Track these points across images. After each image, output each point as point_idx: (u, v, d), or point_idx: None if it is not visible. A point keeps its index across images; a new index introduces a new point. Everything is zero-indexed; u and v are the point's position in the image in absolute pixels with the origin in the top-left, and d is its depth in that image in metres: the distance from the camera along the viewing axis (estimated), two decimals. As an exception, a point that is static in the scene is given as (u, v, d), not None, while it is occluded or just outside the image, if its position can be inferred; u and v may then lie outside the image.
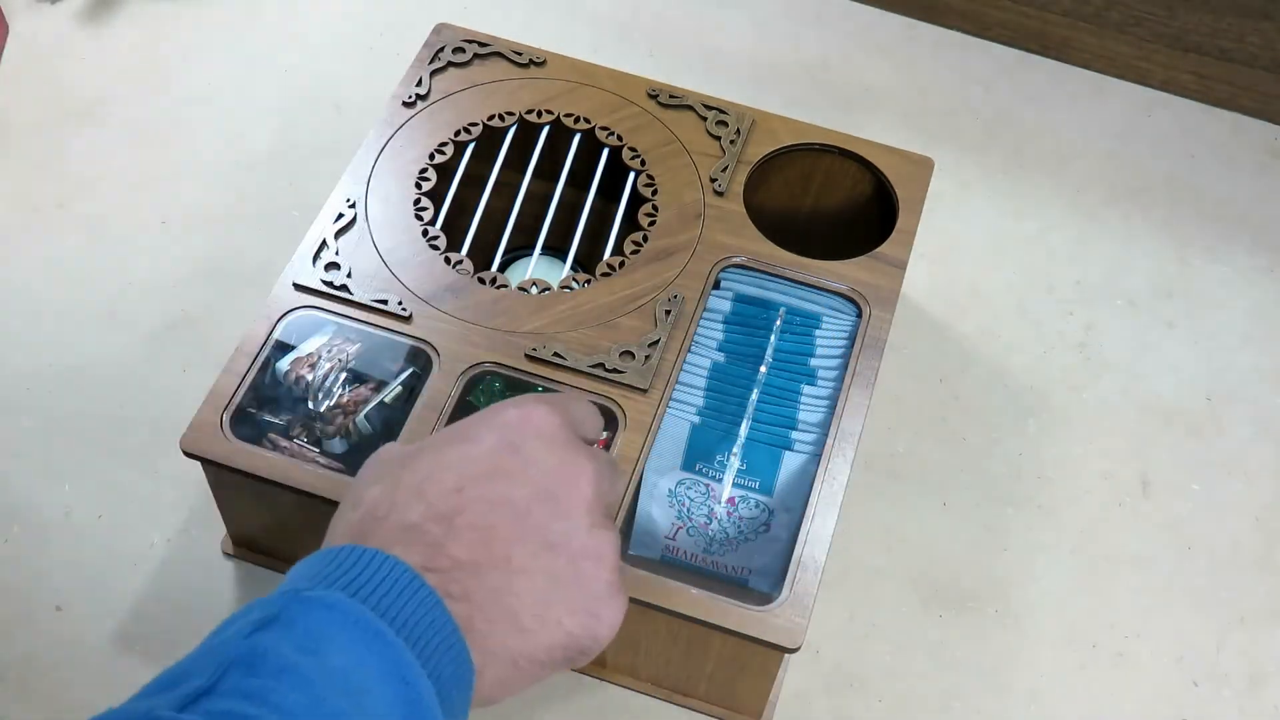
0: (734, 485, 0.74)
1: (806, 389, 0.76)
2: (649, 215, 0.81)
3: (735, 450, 0.75)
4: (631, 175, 0.84)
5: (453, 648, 0.44)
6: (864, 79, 1.10)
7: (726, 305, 0.79)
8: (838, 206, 0.89)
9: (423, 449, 0.51)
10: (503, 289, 0.78)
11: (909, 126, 1.06)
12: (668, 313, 0.77)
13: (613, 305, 0.77)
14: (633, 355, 0.75)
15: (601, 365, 0.74)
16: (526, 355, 0.75)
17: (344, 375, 0.75)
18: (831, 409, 0.75)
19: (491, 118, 0.85)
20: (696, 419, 0.75)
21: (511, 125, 0.86)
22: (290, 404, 0.75)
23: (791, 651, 0.66)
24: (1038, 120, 1.08)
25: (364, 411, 0.74)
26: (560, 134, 0.86)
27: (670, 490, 0.75)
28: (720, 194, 0.83)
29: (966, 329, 0.95)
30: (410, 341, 0.75)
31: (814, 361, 0.78)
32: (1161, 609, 0.84)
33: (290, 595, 0.43)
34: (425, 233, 0.80)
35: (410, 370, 0.76)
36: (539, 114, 0.86)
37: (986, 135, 1.07)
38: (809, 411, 0.76)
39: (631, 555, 0.78)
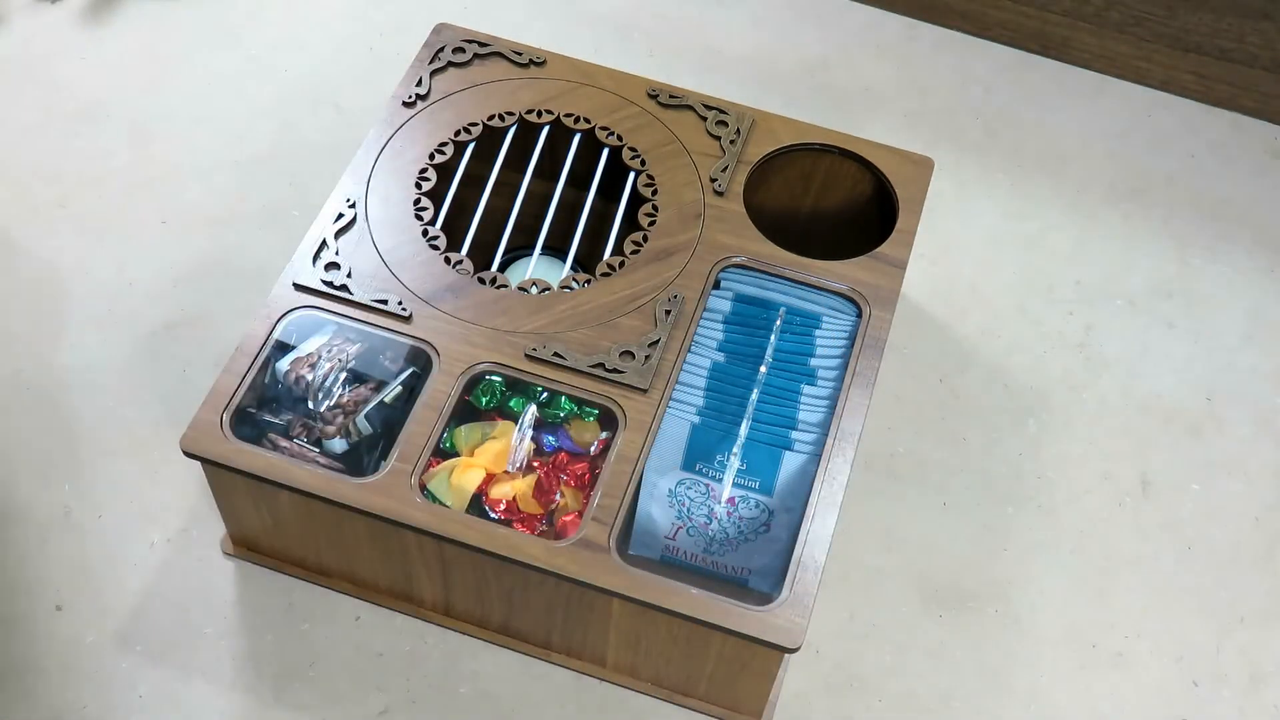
0: (734, 485, 0.74)
1: (806, 389, 0.76)
2: (649, 215, 0.81)
3: (735, 450, 0.75)
4: (631, 175, 0.84)
5: None
6: (864, 79, 1.10)
7: (726, 305, 0.79)
8: (838, 206, 0.89)
9: None
10: (503, 289, 0.78)
11: (909, 126, 1.06)
12: (668, 313, 0.77)
13: (613, 305, 0.77)
14: (633, 355, 0.75)
15: (601, 365, 0.74)
16: (526, 355, 0.75)
17: (344, 375, 0.75)
18: (831, 409, 0.75)
19: (491, 118, 0.85)
20: (696, 419, 0.75)
21: (511, 125, 0.86)
22: (290, 404, 0.75)
23: (791, 651, 0.66)
24: (1038, 120, 1.08)
25: (364, 411, 0.74)
26: (560, 134, 0.86)
27: (670, 490, 0.75)
28: (720, 194, 0.82)
29: (966, 329, 0.95)
30: (410, 341, 0.75)
31: (814, 361, 0.78)
32: (1161, 609, 0.84)
33: None
34: (425, 233, 0.80)
35: (410, 370, 0.76)
36: (539, 114, 0.86)
37: (986, 135, 1.07)
38: (809, 411, 0.76)
39: (631, 555, 0.78)
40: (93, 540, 0.82)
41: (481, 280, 0.78)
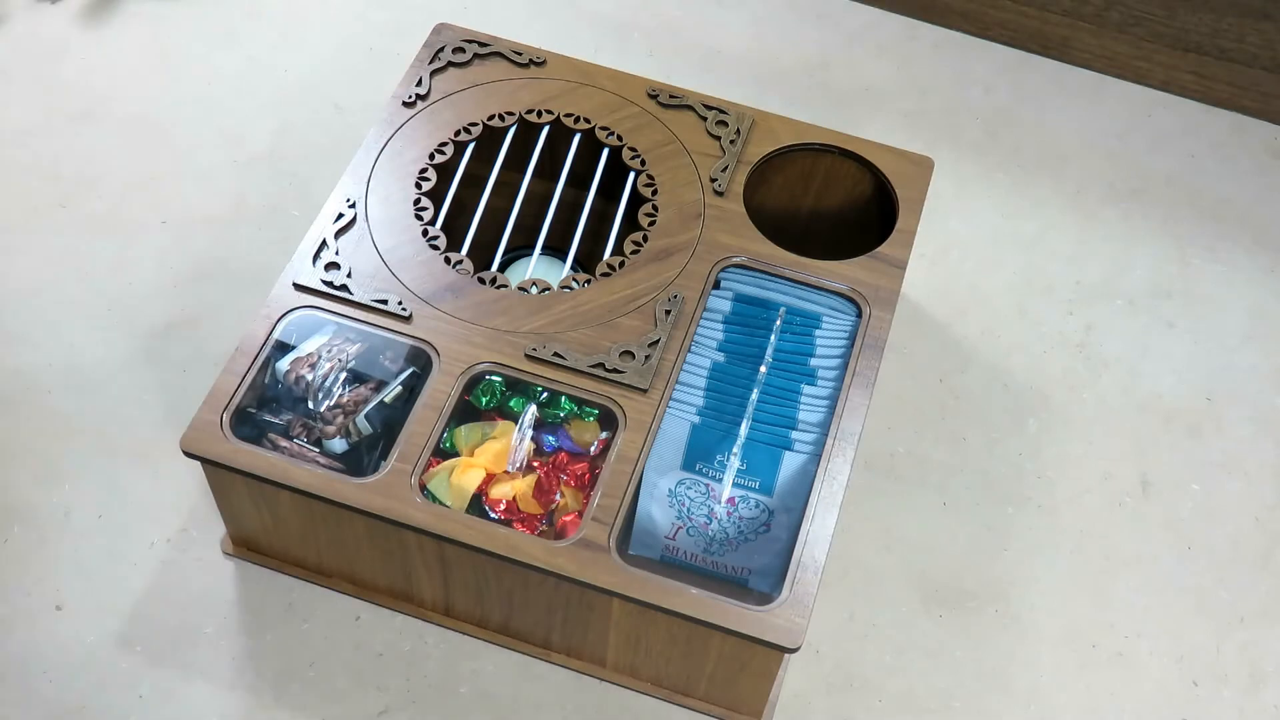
0: (734, 485, 0.74)
1: (806, 389, 0.76)
2: (649, 215, 0.81)
3: (735, 450, 0.74)
4: (631, 175, 0.84)
5: None
6: (864, 79, 1.10)
7: (726, 305, 0.79)
8: (838, 206, 0.89)
9: None
10: (503, 289, 0.78)
11: (909, 126, 1.06)
12: (668, 313, 0.77)
13: (613, 305, 0.77)
14: (633, 355, 0.75)
15: (601, 365, 0.74)
16: (526, 355, 0.75)
17: (344, 375, 0.75)
18: (831, 409, 0.75)
19: (491, 118, 0.85)
20: (696, 419, 0.75)
21: (511, 125, 0.86)
22: (290, 404, 0.75)
23: (791, 651, 0.66)
24: (1038, 120, 1.08)
25: (364, 411, 0.74)
26: (560, 134, 0.86)
27: (670, 490, 0.75)
28: (720, 194, 0.82)
29: (966, 329, 0.95)
30: (410, 341, 0.75)
31: (814, 361, 0.78)
32: (1161, 609, 0.84)
33: None
34: (425, 233, 0.80)
35: (410, 370, 0.76)
36: (539, 114, 0.86)
37: (986, 135, 1.07)
38: (809, 411, 0.76)
39: (631, 555, 0.78)
40: (93, 540, 0.82)
41: (481, 280, 0.78)
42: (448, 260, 0.79)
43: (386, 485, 0.70)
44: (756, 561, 0.76)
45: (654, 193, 0.82)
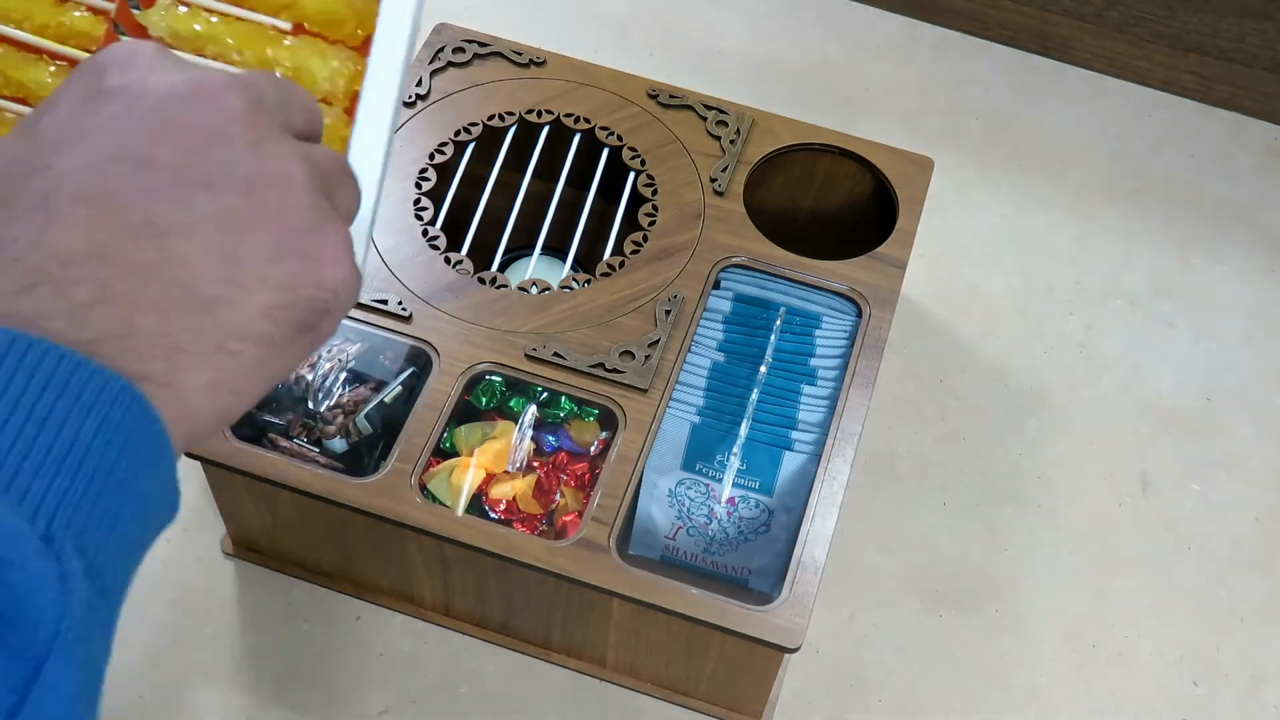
0: (734, 485, 0.74)
1: (806, 389, 0.76)
2: (649, 215, 0.81)
3: (735, 450, 0.75)
4: (631, 175, 0.84)
5: (84, 399, 0.31)
6: (864, 79, 1.10)
7: (726, 305, 0.79)
8: (838, 206, 0.89)
9: None
10: (503, 289, 0.78)
11: (909, 126, 1.06)
12: (668, 313, 0.77)
13: (613, 305, 0.77)
14: (633, 355, 0.75)
15: (601, 365, 0.74)
16: (526, 355, 0.75)
17: (344, 375, 0.75)
18: (831, 409, 0.75)
19: (491, 118, 0.85)
20: (696, 419, 0.75)
21: (511, 125, 0.86)
22: (290, 404, 0.75)
23: (791, 651, 0.66)
24: (1038, 120, 1.08)
25: (364, 411, 0.74)
26: (560, 134, 0.86)
27: (670, 490, 0.75)
28: (720, 194, 0.83)
29: (966, 329, 0.95)
30: (410, 341, 0.75)
31: (814, 361, 0.78)
32: (1161, 609, 0.84)
33: None
34: (425, 233, 0.80)
35: (410, 370, 0.76)
36: (539, 114, 0.86)
37: (986, 135, 1.07)
38: (809, 411, 0.76)
39: (631, 555, 0.78)
40: (93, 540, 0.82)
41: (481, 280, 0.78)
42: (448, 260, 0.79)
43: (386, 485, 0.70)
44: (756, 561, 0.76)
45: (654, 193, 0.82)
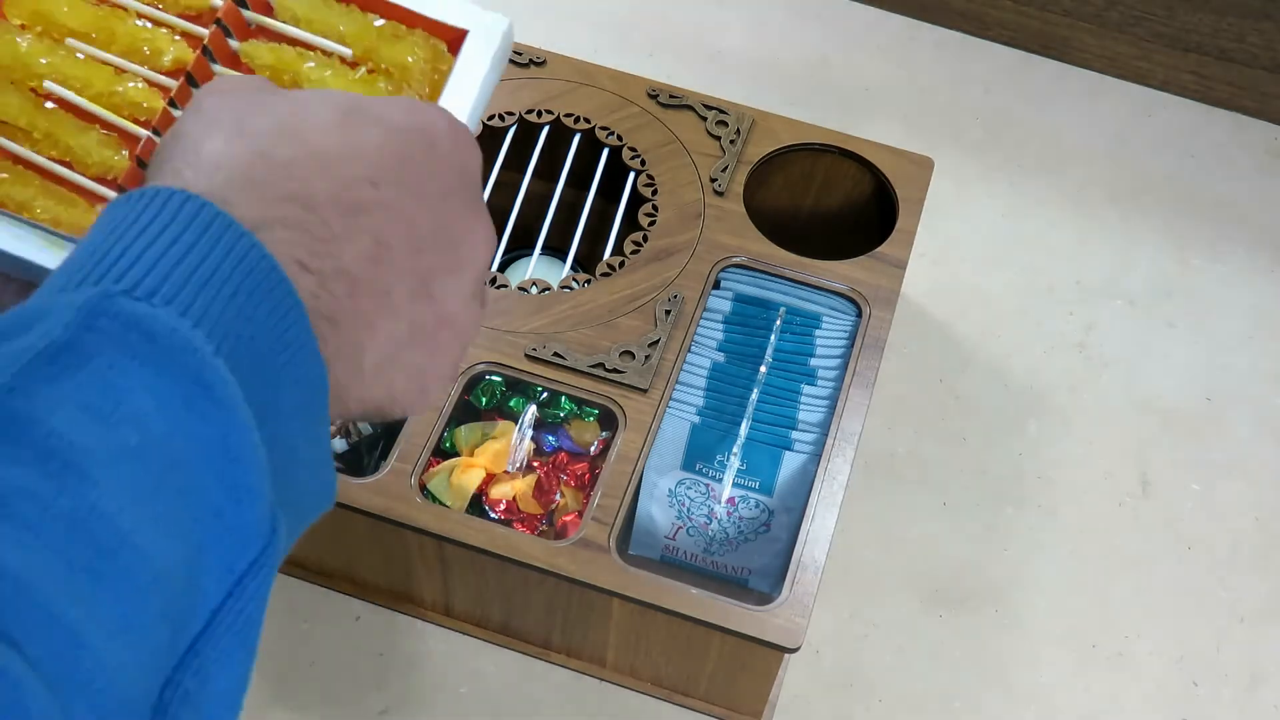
0: (734, 485, 0.74)
1: (806, 389, 0.76)
2: (649, 215, 0.81)
3: (735, 450, 0.75)
4: (631, 175, 0.84)
5: (302, 367, 0.34)
6: (864, 79, 1.10)
7: (726, 305, 0.79)
8: (838, 206, 0.89)
9: (304, 103, 0.37)
10: (503, 289, 0.78)
11: (909, 126, 1.06)
12: (668, 313, 0.77)
13: (613, 305, 0.77)
14: (633, 355, 0.75)
15: (601, 365, 0.74)
16: (526, 355, 0.75)
17: (344, 375, 0.75)
18: (831, 409, 0.75)
19: (491, 117, 0.85)
20: (696, 419, 0.75)
21: (511, 125, 0.86)
22: (290, 404, 0.75)
23: (791, 651, 0.66)
24: (1038, 120, 1.08)
25: (364, 411, 0.74)
26: (560, 134, 0.86)
27: (670, 490, 0.75)
28: (720, 194, 0.83)
29: (966, 329, 0.95)
30: (410, 341, 0.75)
31: (814, 361, 0.78)
32: (1161, 609, 0.84)
33: (96, 305, 0.30)
34: (425, 233, 0.80)
35: (410, 370, 0.76)
36: (539, 114, 0.86)
37: (986, 135, 1.07)
38: (809, 411, 0.76)
39: (631, 555, 0.78)
40: (93, 540, 0.82)
41: (481, 280, 0.78)
42: (448, 260, 0.78)
43: (386, 485, 0.70)
44: (756, 561, 0.76)
45: (654, 193, 0.82)
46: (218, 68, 0.50)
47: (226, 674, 0.31)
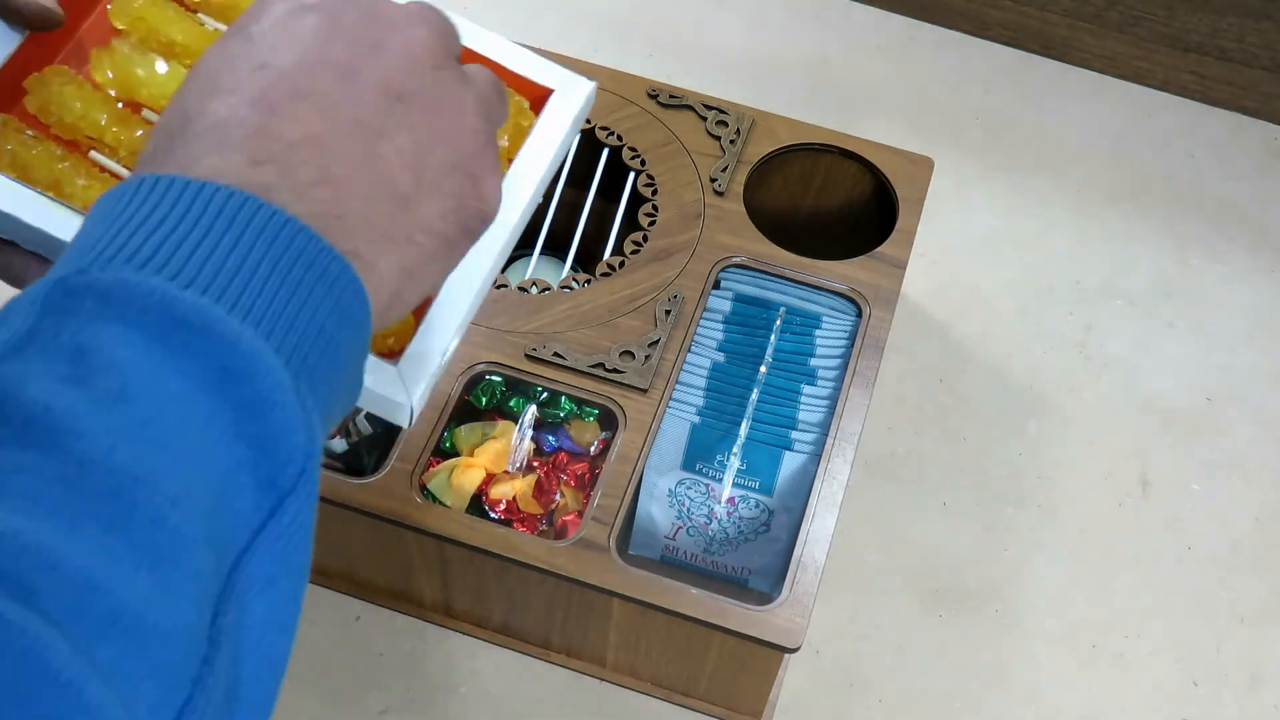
0: (734, 485, 0.74)
1: (806, 389, 0.76)
2: (649, 215, 0.81)
3: (735, 450, 0.75)
4: (631, 175, 0.84)
5: (315, 266, 0.34)
6: (864, 79, 1.10)
7: (726, 305, 0.79)
8: (838, 206, 0.89)
9: (203, 57, 0.39)
10: (503, 289, 0.78)
11: (909, 126, 1.06)
12: (668, 313, 0.77)
13: (613, 305, 0.77)
14: (633, 355, 0.75)
15: (601, 365, 0.74)
16: (526, 355, 0.75)
17: (344, 375, 0.75)
18: (831, 409, 0.75)
19: (491, 118, 0.85)
20: (696, 419, 0.75)
21: (511, 125, 0.86)
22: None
23: (791, 651, 0.66)
24: (1038, 120, 1.08)
25: (364, 412, 0.74)
26: (560, 134, 0.86)
27: (670, 490, 0.75)
28: (720, 194, 0.83)
29: (966, 329, 0.95)
30: (410, 341, 0.75)
31: (814, 361, 0.78)
32: (1161, 609, 0.84)
33: (55, 288, 0.31)
34: (425, 233, 0.80)
35: (410, 370, 0.76)
36: (539, 114, 0.86)
37: (986, 135, 1.07)
38: (809, 411, 0.76)
39: (631, 555, 0.78)
40: (93, 540, 0.82)
41: (481, 280, 0.78)
42: (448, 260, 0.78)
43: (386, 485, 0.70)
44: (756, 561, 0.76)
45: (654, 193, 0.82)
46: None
47: (274, 595, 0.31)
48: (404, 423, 0.44)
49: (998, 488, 0.88)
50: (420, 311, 0.46)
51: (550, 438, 0.75)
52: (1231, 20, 1.04)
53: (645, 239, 0.80)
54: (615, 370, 0.74)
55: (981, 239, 1.01)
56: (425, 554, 0.73)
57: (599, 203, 0.85)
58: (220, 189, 0.33)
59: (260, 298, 0.32)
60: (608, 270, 0.79)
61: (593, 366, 0.74)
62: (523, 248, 0.88)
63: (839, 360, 0.77)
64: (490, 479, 0.73)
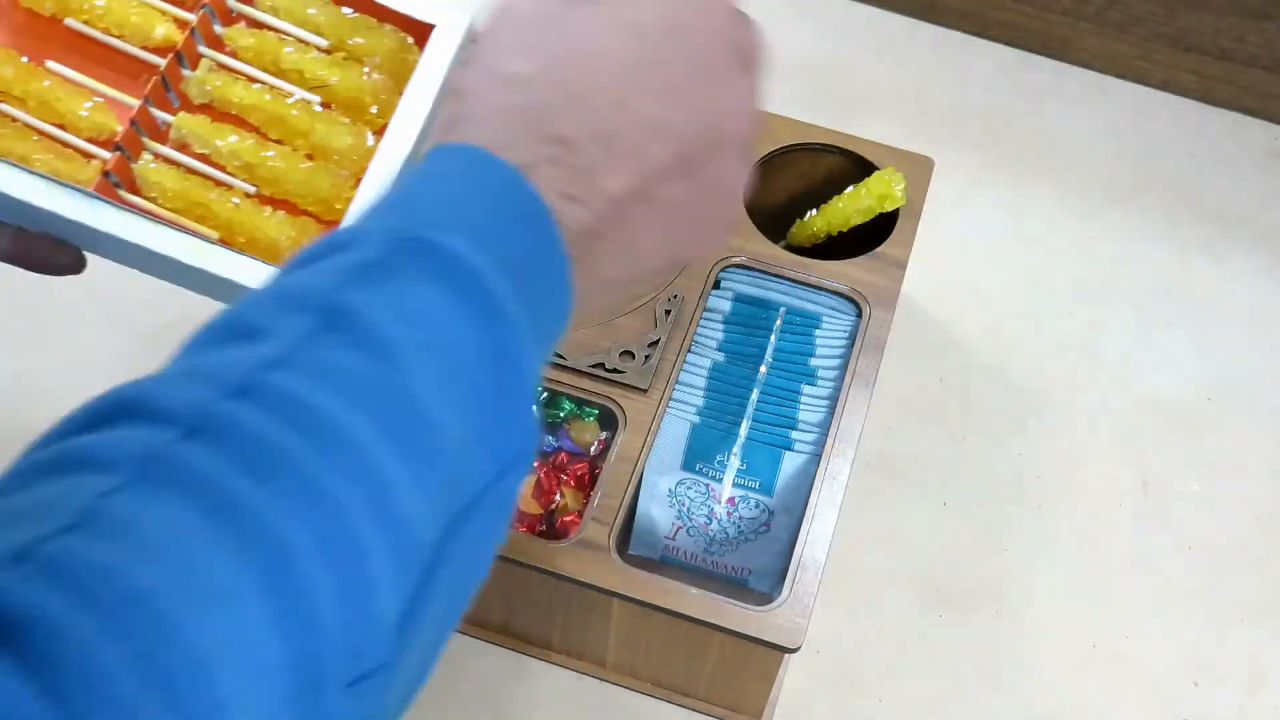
0: (734, 485, 0.74)
1: (806, 389, 0.76)
2: (649, 215, 0.81)
3: (735, 450, 0.74)
4: (631, 175, 0.84)
5: (558, 287, 0.39)
6: (864, 79, 1.10)
7: (726, 305, 0.79)
8: (838, 206, 0.89)
9: (571, 38, 0.42)
10: (503, 289, 0.78)
11: (909, 126, 1.06)
12: (668, 313, 0.77)
13: (613, 305, 0.77)
14: (633, 355, 0.75)
15: (601, 365, 0.74)
16: (526, 355, 0.75)
17: (344, 375, 0.75)
18: (831, 409, 0.75)
19: (491, 118, 0.85)
20: (696, 419, 0.75)
21: (511, 125, 0.86)
22: (290, 404, 0.75)
23: (791, 651, 0.66)
24: (1038, 120, 1.08)
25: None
26: (560, 134, 0.86)
27: (670, 490, 0.75)
28: (720, 194, 0.82)
29: (966, 329, 0.95)
30: (410, 341, 0.75)
31: (814, 361, 0.78)
32: (1161, 609, 0.84)
33: (407, 239, 0.36)
34: (425, 233, 0.80)
35: (410, 370, 0.76)
36: (539, 114, 0.86)
37: (986, 135, 1.07)
38: (809, 411, 0.76)
39: (631, 555, 0.78)
40: (93, 540, 0.82)
41: (481, 280, 0.78)
42: (448, 260, 0.78)
43: (386, 485, 0.70)
44: (756, 561, 0.76)
45: (654, 193, 0.82)
46: (203, 49, 0.57)
47: (476, 550, 0.37)
48: None
49: (998, 488, 0.88)
50: None
51: (550, 438, 0.75)
52: (1232, 20, 1.04)
53: (645, 239, 0.80)
54: (615, 370, 0.74)
55: (982, 239, 1.01)
56: (425, 554, 0.73)
57: (599, 203, 0.84)
58: (544, 208, 0.38)
59: (529, 296, 0.37)
60: (608, 270, 0.79)
61: (592, 366, 0.74)
62: (523, 248, 0.88)
63: (839, 360, 0.77)
64: (490, 479, 0.73)
